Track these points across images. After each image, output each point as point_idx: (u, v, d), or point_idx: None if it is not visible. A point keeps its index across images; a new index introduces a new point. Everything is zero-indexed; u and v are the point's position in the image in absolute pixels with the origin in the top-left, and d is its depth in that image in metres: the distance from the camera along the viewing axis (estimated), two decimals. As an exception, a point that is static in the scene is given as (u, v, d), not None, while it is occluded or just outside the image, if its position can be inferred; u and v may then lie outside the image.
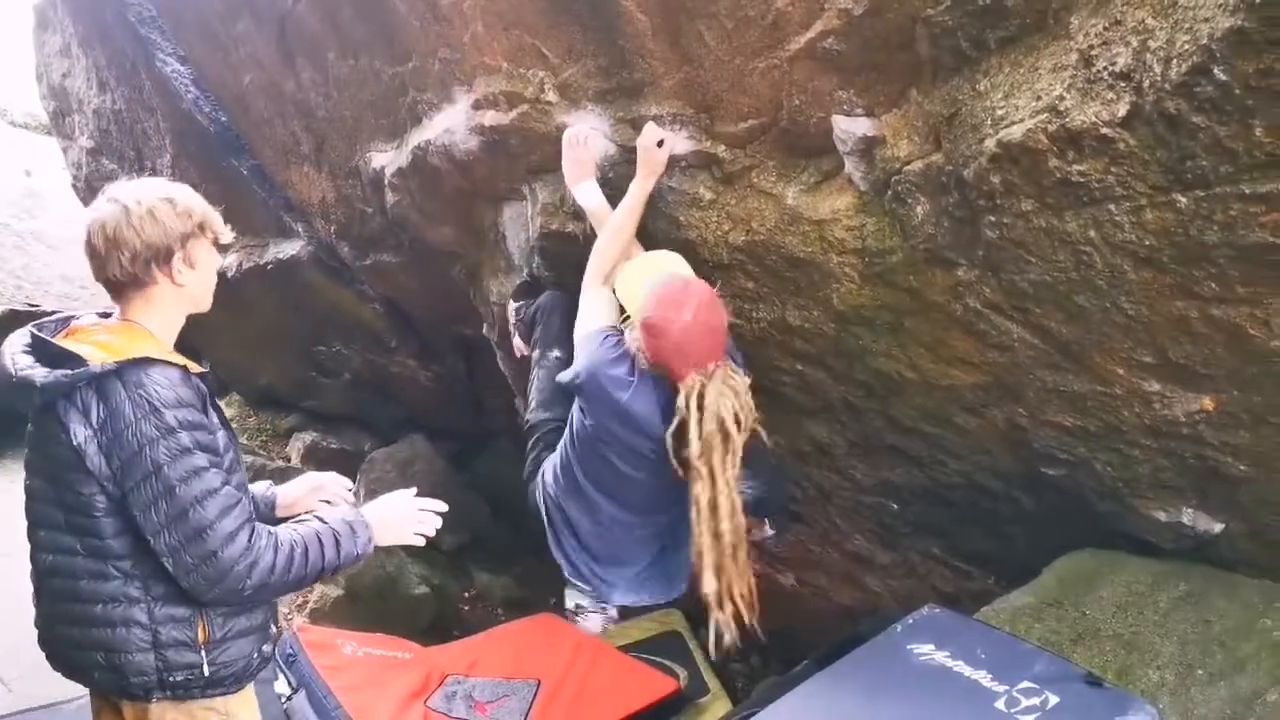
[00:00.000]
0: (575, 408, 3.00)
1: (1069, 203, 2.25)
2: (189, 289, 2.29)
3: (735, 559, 2.70)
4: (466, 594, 6.07)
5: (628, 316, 2.99)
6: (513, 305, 4.01)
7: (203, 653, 2.24)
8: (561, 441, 3.12)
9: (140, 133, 6.07)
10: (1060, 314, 2.52)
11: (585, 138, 3.21)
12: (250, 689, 2.41)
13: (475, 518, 6.67)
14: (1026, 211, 2.33)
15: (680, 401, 2.70)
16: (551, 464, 3.16)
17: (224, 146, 5.39)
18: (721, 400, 2.67)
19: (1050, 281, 2.44)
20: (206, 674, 2.24)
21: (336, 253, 5.44)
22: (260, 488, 2.70)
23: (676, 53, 2.88)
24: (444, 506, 2.49)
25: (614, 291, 3.07)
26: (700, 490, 2.69)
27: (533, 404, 3.44)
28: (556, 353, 3.45)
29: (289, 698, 3.60)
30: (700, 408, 2.67)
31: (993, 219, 2.41)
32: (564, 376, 2.97)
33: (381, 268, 5.20)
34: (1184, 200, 2.06)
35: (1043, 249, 2.38)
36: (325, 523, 2.31)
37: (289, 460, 7.18)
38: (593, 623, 3.38)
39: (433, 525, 2.47)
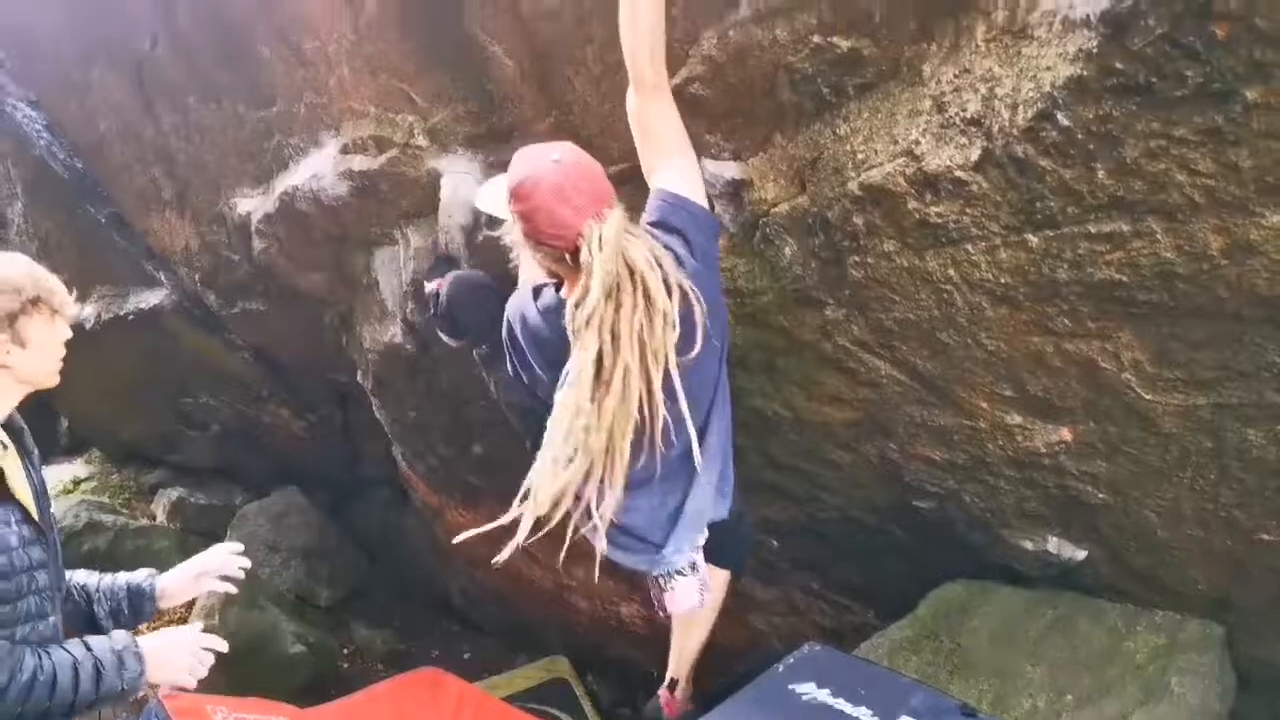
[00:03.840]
0: None
1: (929, 243, 2.32)
2: (20, 369, 2.13)
3: (612, 463, 2.17)
4: (345, 650, 5.89)
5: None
6: (428, 286, 3.54)
7: None
8: None
9: (-11, 180, 5.80)
10: (925, 350, 2.58)
11: None
12: None
13: (353, 570, 6.51)
14: (889, 252, 2.39)
15: (583, 256, 2.17)
16: None
17: (80, 194, 5.18)
18: (627, 240, 2.15)
19: (914, 319, 2.51)
20: None
21: (202, 301, 5.26)
22: (140, 576, 2.51)
23: (545, 97, 2.88)
24: (224, 646, 2.32)
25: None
26: (585, 353, 2.13)
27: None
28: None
29: (154, 770, 3.42)
30: (600, 247, 2.15)
31: (857, 259, 2.47)
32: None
33: (250, 316, 5.04)
34: (1035, 240, 2.14)
35: (906, 288, 2.44)
36: (89, 650, 2.13)
37: (154, 519, 6.88)
38: (686, 589, 2.62)
39: (208, 666, 2.29)
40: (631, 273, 2.12)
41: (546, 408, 2.49)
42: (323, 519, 6.52)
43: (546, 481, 2.17)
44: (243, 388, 6.02)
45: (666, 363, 2.14)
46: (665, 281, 2.13)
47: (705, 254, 2.30)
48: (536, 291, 2.43)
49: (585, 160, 2.28)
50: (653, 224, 2.28)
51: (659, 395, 2.15)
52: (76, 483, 7.14)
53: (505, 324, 2.51)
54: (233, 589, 2.59)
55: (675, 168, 2.34)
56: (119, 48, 4.15)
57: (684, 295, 2.15)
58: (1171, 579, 2.80)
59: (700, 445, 2.28)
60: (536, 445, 2.79)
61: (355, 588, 6.44)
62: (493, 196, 2.49)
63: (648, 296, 2.11)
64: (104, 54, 4.25)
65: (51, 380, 2.22)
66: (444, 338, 3.39)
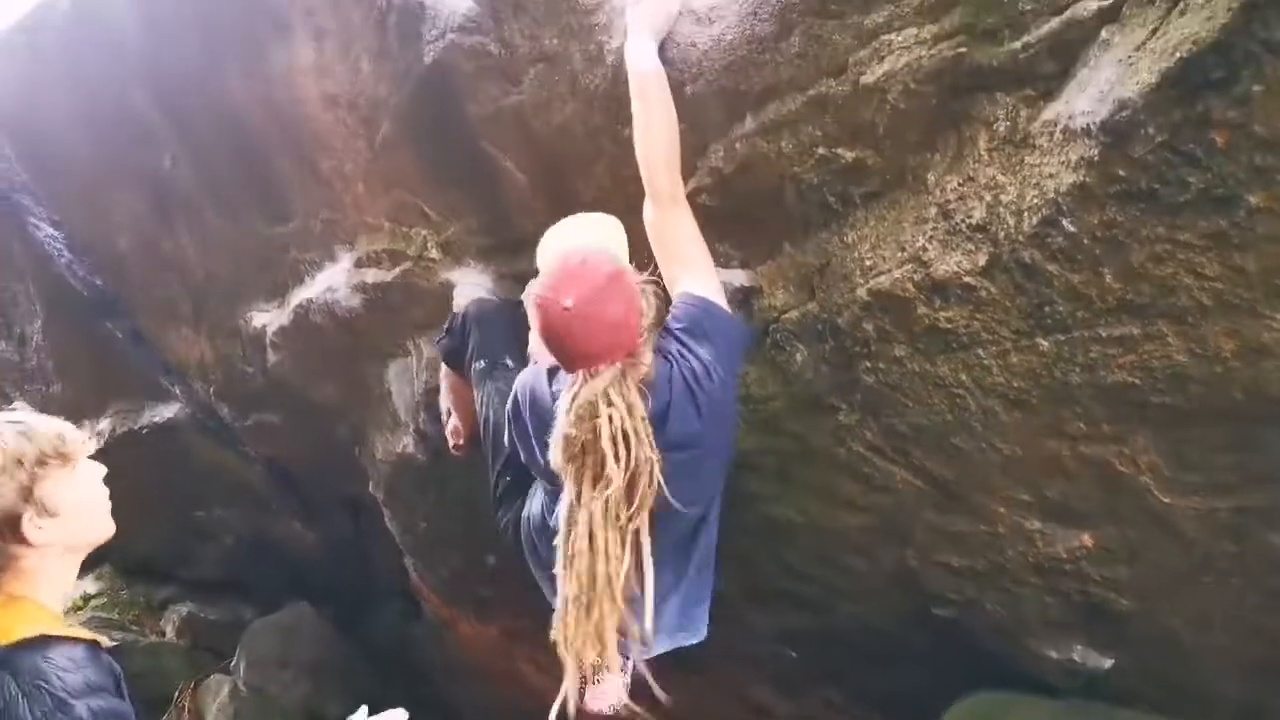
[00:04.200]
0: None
1: (939, 348, 2.32)
2: (65, 538, 1.83)
3: (588, 615, 2.19)
4: (354, 774, 5.73)
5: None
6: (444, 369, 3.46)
7: None
8: None
9: (9, 299, 5.88)
10: (940, 455, 2.56)
11: None
12: None
13: (364, 685, 6.37)
14: (900, 357, 2.40)
15: (556, 404, 2.27)
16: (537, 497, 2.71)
17: (99, 310, 5.25)
18: (599, 405, 2.15)
19: (928, 424, 2.50)
20: None
21: (216, 414, 5.28)
22: None
23: (556, 209, 2.92)
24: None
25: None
26: (566, 499, 2.23)
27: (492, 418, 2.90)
28: (508, 360, 2.95)
29: None
30: (568, 408, 2.19)
31: (868, 365, 2.47)
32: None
33: (263, 427, 5.06)
34: (1046, 344, 2.15)
35: (918, 393, 2.44)
36: None
37: (164, 635, 6.79)
38: (611, 686, 2.66)
39: None
40: (596, 439, 2.14)
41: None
42: (333, 633, 6.42)
43: (560, 625, 2.24)
44: (255, 500, 6.00)
45: (630, 521, 2.17)
46: (629, 458, 2.13)
47: (731, 361, 2.31)
48: (552, 372, 2.43)
49: (600, 311, 2.16)
50: (681, 330, 2.27)
51: (624, 550, 2.18)
52: (86, 599, 7.05)
53: (513, 396, 2.52)
54: None
55: (698, 274, 2.36)
56: (140, 167, 4.26)
57: (650, 469, 2.15)
58: (1201, 688, 2.73)
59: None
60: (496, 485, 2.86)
61: (366, 703, 6.29)
62: (540, 255, 2.54)
63: (601, 469, 2.14)
64: (125, 173, 4.36)
65: (106, 531, 1.95)
66: (442, 361, 3.31)
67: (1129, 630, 2.69)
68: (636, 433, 2.15)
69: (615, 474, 2.12)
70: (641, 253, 2.42)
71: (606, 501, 2.15)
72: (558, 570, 2.24)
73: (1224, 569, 2.39)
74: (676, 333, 2.28)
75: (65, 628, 1.78)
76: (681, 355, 2.26)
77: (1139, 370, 2.07)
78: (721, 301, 2.35)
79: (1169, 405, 2.10)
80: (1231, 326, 1.92)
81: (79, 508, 1.86)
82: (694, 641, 2.65)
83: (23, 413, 1.88)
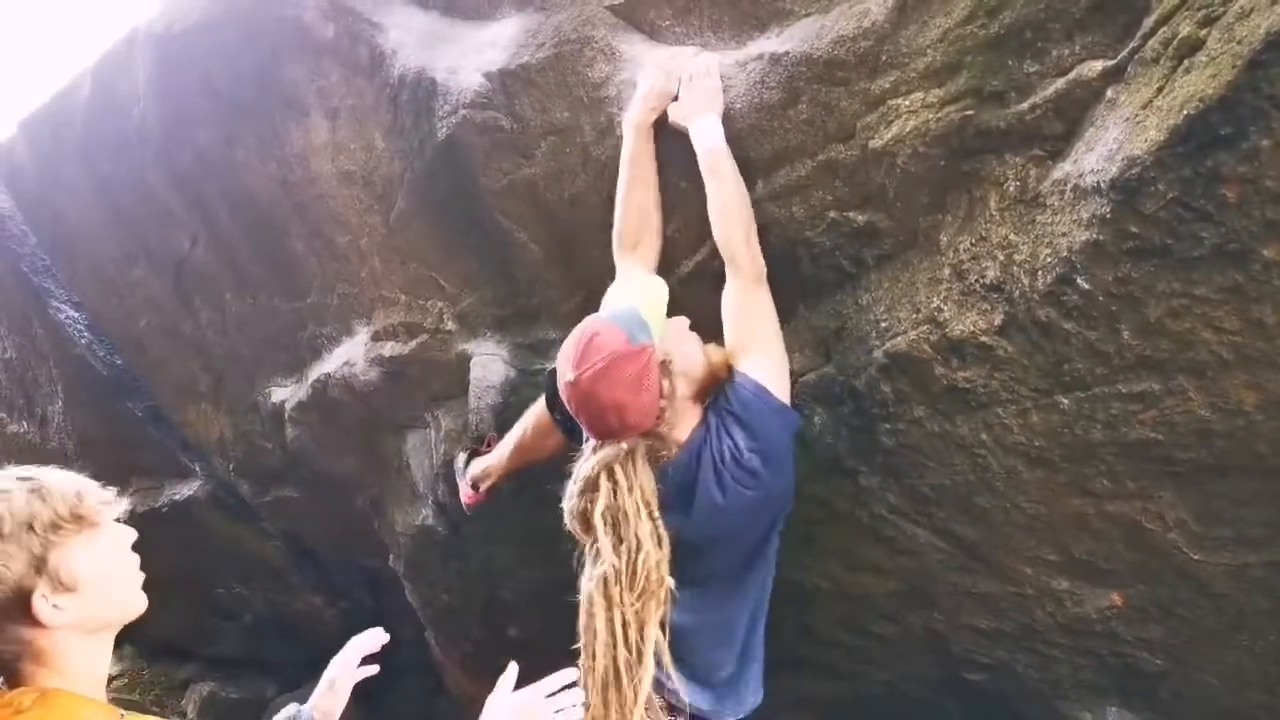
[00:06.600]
0: None
1: (959, 408, 2.31)
2: (85, 618, 1.53)
3: (616, 691, 2.13)
4: None
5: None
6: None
7: None
8: None
9: (31, 380, 5.93)
10: (963, 516, 2.54)
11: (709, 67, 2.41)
12: None
13: (387, 763, 6.28)
14: (919, 418, 2.39)
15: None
16: None
17: (119, 389, 5.28)
18: (599, 479, 2.15)
19: (950, 485, 2.47)
20: None
21: (235, 490, 5.28)
22: (289, 713, 2.09)
23: (571, 278, 2.95)
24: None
25: None
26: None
27: None
28: None
29: None
30: (574, 479, 2.22)
31: (888, 426, 2.46)
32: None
33: (282, 503, 5.05)
34: (1066, 401, 2.13)
35: (939, 453, 2.42)
36: None
37: (185, 715, 6.72)
38: None
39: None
40: (585, 508, 2.16)
41: None
42: (355, 710, 6.33)
43: (590, 701, 2.14)
44: (274, 575, 5.97)
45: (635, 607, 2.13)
46: (622, 538, 2.11)
47: (771, 448, 2.24)
48: None
49: (599, 391, 2.10)
50: (727, 409, 2.25)
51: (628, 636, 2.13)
52: (108, 681, 7.01)
53: None
54: (375, 668, 2.27)
55: (765, 356, 2.31)
56: (159, 249, 4.31)
57: (651, 554, 2.12)
58: (1241, 748, 2.67)
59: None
60: None
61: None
62: None
63: (599, 551, 2.13)
64: (145, 255, 4.41)
65: (137, 606, 1.65)
66: (545, 396, 2.97)
67: (1164, 691, 2.64)
68: (633, 513, 2.11)
69: (606, 553, 2.10)
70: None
71: (603, 582, 2.11)
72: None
73: (1259, 626, 2.34)
74: (722, 410, 2.25)
75: (118, 716, 1.54)
76: (719, 433, 2.23)
77: (1161, 426, 2.05)
78: (780, 388, 2.27)
79: (1193, 460, 2.07)
80: (1252, 379, 1.90)
81: (103, 581, 1.54)
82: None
83: (37, 469, 1.55)
